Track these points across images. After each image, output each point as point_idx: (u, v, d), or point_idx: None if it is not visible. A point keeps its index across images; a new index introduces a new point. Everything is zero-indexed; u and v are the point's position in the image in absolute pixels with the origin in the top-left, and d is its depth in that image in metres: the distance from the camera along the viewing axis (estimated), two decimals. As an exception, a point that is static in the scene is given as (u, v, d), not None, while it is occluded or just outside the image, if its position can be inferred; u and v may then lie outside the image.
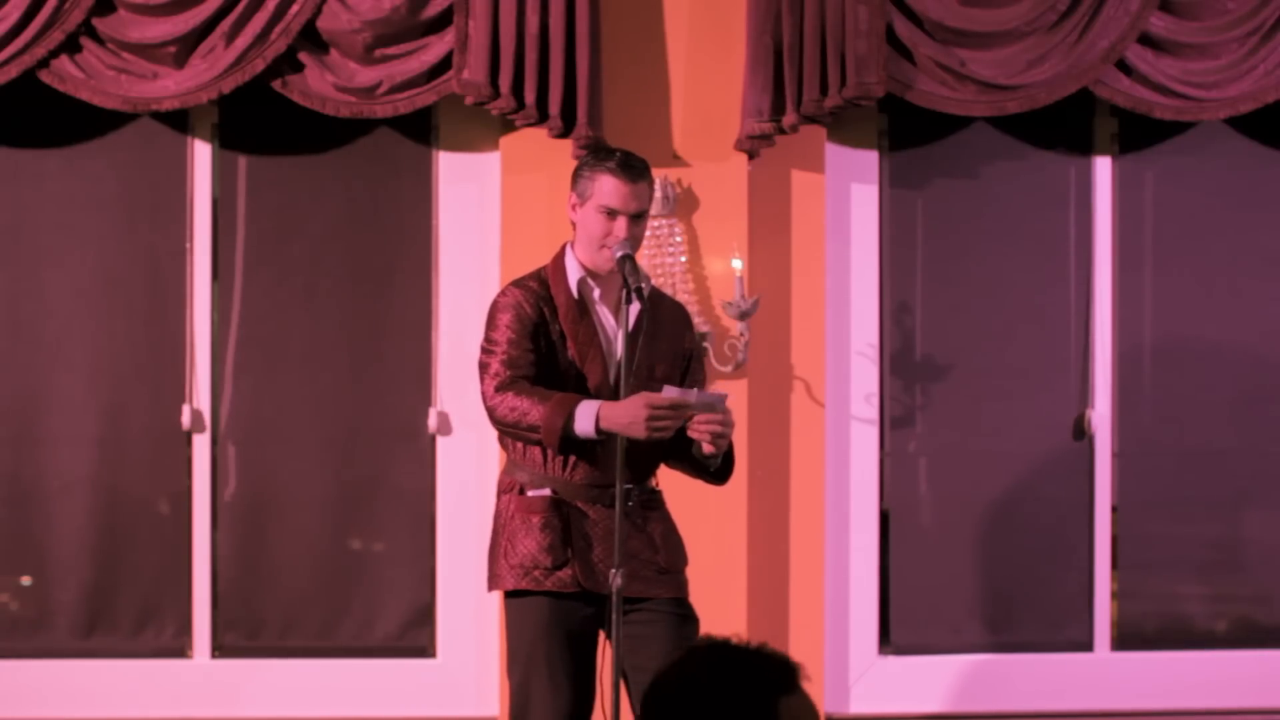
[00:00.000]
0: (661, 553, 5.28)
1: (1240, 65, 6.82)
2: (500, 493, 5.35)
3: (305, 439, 6.85)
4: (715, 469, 5.26)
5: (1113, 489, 7.09)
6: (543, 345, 5.21)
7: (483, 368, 5.20)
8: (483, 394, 5.19)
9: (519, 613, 5.21)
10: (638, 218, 5.21)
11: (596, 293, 5.26)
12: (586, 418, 5.06)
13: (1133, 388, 7.11)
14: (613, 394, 5.16)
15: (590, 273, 5.26)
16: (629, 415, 5.03)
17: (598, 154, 5.33)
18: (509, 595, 5.27)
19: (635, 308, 5.16)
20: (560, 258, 5.30)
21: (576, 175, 5.28)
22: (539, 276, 5.30)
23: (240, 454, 6.88)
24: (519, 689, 5.19)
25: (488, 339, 5.22)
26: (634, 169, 5.21)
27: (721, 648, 2.88)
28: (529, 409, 5.08)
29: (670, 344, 5.34)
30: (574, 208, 5.26)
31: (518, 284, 5.31)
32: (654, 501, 5.34)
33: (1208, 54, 6.81)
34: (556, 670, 5.15)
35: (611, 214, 5.19)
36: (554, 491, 5.22)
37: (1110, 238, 7.09)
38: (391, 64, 6.54)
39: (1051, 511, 7.09)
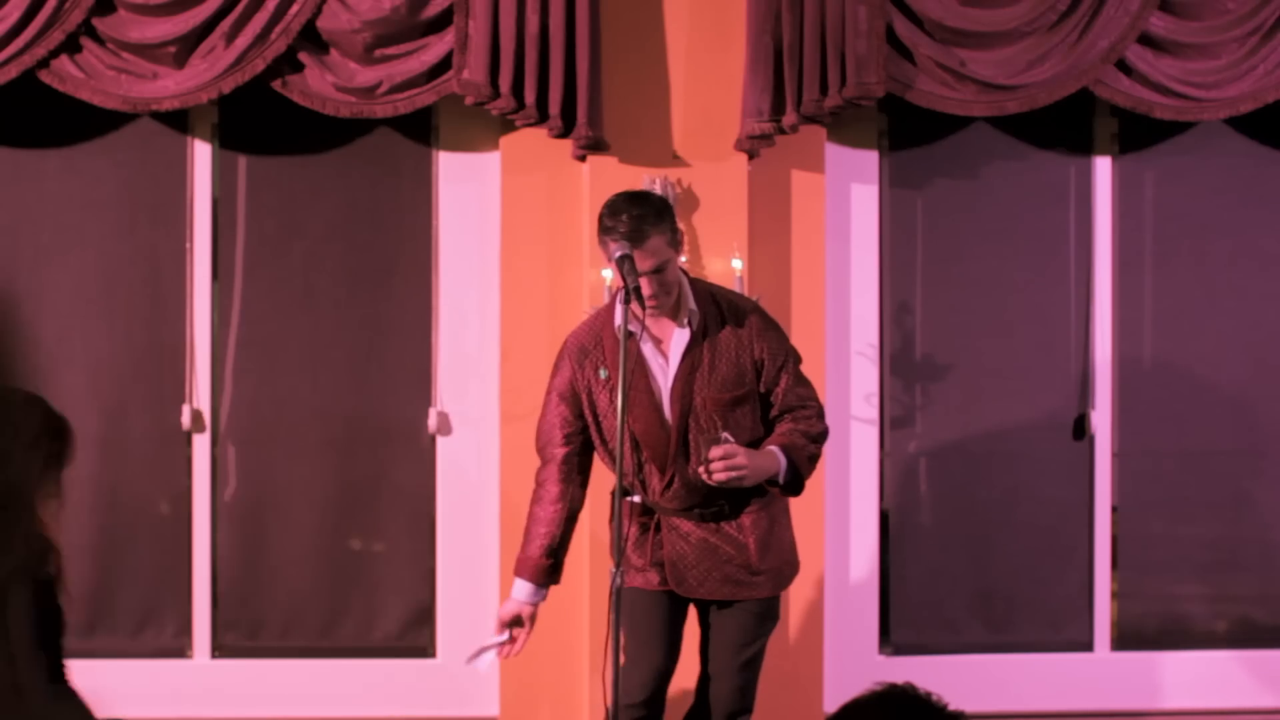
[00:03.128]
0: (755, 555, 5.43)
1: (1240, 65, 6.82)
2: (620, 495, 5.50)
3: (305, 439, 6.86)
4: (781, 486, 5.40)
5: (1113, 489, 7.09)
6: (588, 402, 5.34)
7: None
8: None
9: (619, 597, 5.39)
10: (658, 270, 5.23)
11: (641, 333, 5.29)
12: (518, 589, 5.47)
13: (1133, 387, 7.11)
14: (663, 439, 5.30)
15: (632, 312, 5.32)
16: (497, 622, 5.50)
17: (610, 213, 5.26)
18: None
19: (682, 341, 5.29)
20: (614, 298, 5.36)
21: (599, 230, 5.30)
22: (598, 319, 5.42)
23: (240, 454, 6.88)
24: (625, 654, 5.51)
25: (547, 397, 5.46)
26: (639, 233, 5.19)
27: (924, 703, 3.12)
28: (527, 529, 5.45)
29: (731, 364, 5.36)
30: (607, 259, 5.32)
31: (577, 332, 5.45)
32: (749, 506, 5.43)
33: (1208, 54, 6.81)
34: (640, 642, 5.44)
35: (636, 273, 5.22)
36: (647, 503, 5.42)
37: (1110, 238, 7.09)
38: (391, 64, 6.54)
39: (1051, 511, 7.09)
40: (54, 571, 4.31)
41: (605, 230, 5.23)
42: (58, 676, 4.39)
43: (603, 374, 5.33)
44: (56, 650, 4.40)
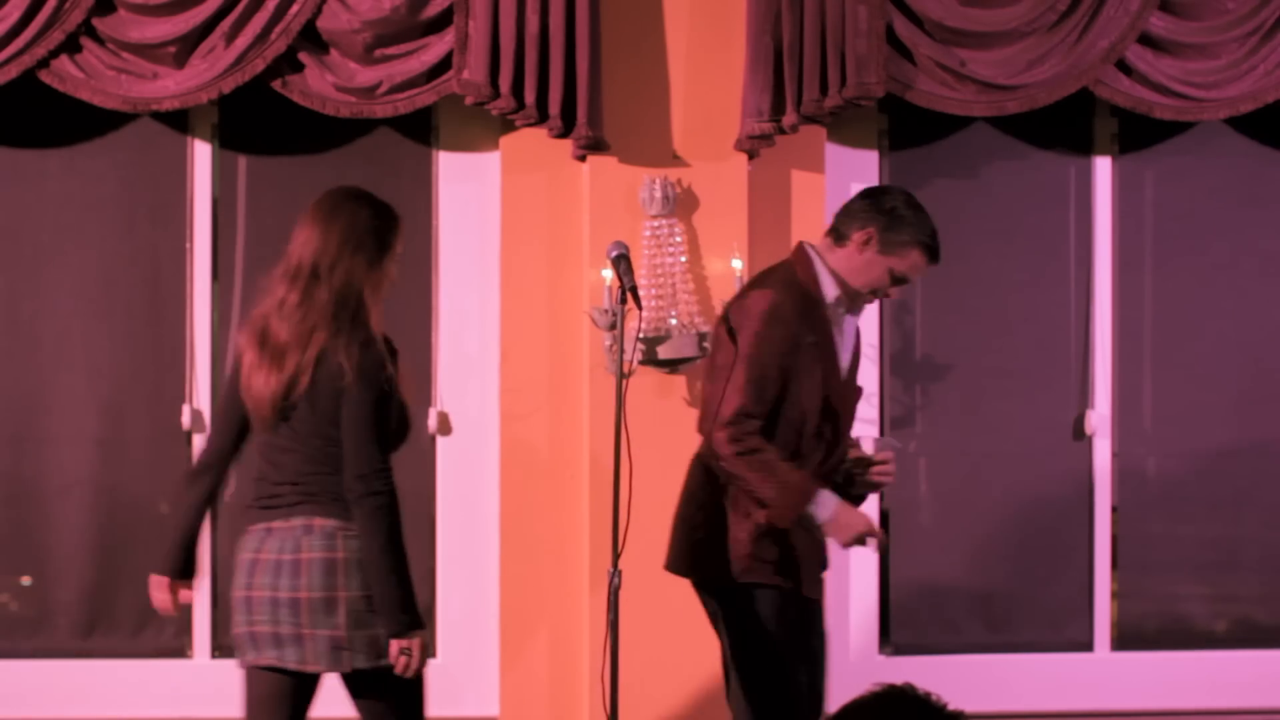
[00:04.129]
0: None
1: (1240, 65, 6.82)
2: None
3: (305, 439, 6.84)
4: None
5: (1113, 489, 7.09)
6: (789, 366, 5.26)
7: (739, 393, 5.20)
8: (715, 436, 5.22)
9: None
10: None
11: (842, 311, 5.37)
12: (825, 509, 5.21)
13: (1133, 387, 7.11)
14: (834, 412, 5.31)
15: (845, 293, 5.36)
16: (859, 524, 5.24)
17: (917, 218, 5.32)
18: None
19: (851, 327, 5.38)
20: (811, 266, 5.35)
21: (890, 220, 5.30)
22: (801, 285, 5.32)
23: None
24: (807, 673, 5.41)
25: (752, 358, 5.21)
26: (941, 254, 5.35)
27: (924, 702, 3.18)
28: (762, 476, 5.18)
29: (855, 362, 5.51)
30: (866, 243, 5.31)
31: (787, 293, 5.30)
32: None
33: (1208, 54, 6.81)
34: (822, 660, 5.40)
35: (902, 281, 5.33)
36: None
37: (1110, 238, 7.09)
38: (391, 64, 6.54)
39: (1051, 511, 7.09)
40: (391, 373, 4.75)
41: (911, 232, 5.29)
42: (378, 471, 4.71)
43: (809, 338, 5.30)
44: (384, 445, 4.75)
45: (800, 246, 5.40)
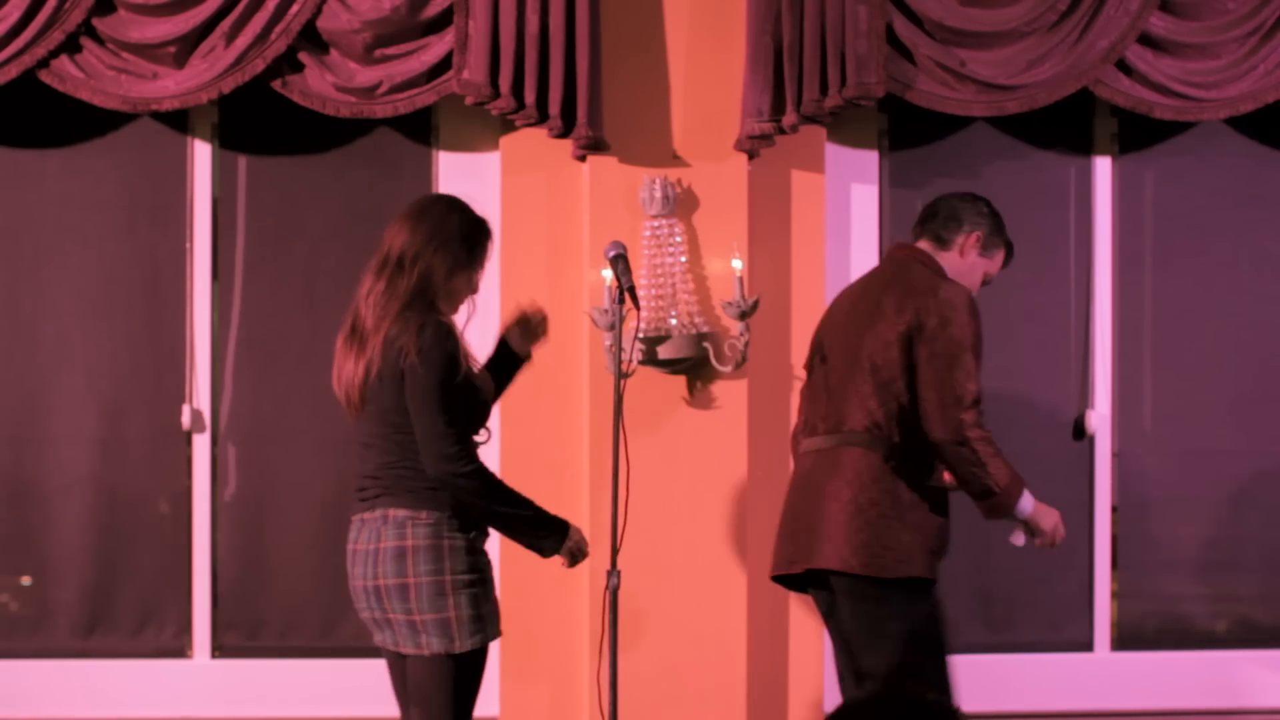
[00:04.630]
0: None
1: (1240, 65, 6.82)
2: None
3: (305, 439, 6.85)
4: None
5: (1113, 489, 7.09)
6: None
7: (972, 380, 5.41)
8: (962, 420, 5.37)
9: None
10: None
11: None
12: (1029, 501, 5.45)
13: (1133, 388, 7.11)
14: None
15: None
16: (1055, 516, 5.52)
17: (1000, 219, 5.56)
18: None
19: None
20: (942, 268, 5.49)
21: (988, 222, 5.51)
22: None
23: (240, 454, 6.88)
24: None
25: (970, 348, 5.39)
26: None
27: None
28: (998, 461, 5.37)
29: None
30: (970, 245, 5.50)
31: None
32: None
33: (1208, 54, 6.81)
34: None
35: (987, 284, 5.59)
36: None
37: (1110, 238, 7.09)
38: (391, 64, 6.54)
39: (1051, 512, 7.08)
40: (453, 351, 4.93)
41: (1001, 235, 5.54)
42: (452, 457, 4.85)
43: None
44: (456, 429, 4.87)
45: (918, 249, 5.51)
